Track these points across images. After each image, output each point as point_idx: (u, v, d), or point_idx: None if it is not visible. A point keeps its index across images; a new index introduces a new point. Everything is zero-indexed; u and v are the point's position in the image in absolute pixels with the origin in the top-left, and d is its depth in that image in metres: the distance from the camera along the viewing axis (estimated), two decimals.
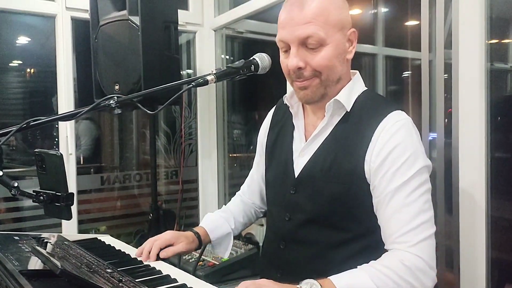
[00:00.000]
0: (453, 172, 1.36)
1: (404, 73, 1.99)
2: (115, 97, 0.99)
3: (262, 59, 1.13)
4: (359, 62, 2.17)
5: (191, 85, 1.05)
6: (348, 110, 1.09)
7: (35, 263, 0.95)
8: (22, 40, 3.36)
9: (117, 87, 2.00)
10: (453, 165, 1.36)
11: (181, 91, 1.06)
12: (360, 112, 1.09)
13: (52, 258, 0.85)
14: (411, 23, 1.84)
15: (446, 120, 1.41)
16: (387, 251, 1.02)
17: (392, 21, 2.14)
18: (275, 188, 1.23)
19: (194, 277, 1.02)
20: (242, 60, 1.11)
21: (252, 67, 1.12)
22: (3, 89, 4.13)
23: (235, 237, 1.39)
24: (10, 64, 3.93)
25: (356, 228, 1.07)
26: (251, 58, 1.13)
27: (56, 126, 2.42)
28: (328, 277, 0.93)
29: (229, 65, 1.10)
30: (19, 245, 1.12)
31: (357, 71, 1.18)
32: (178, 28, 2.18)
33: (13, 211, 2.45)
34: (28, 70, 3.96)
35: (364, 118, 1.07)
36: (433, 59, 1.45)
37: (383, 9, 2.15)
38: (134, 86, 1.96)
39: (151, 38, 1.97)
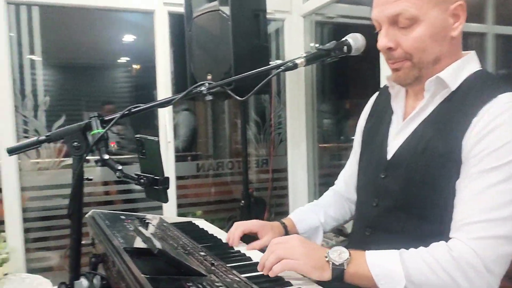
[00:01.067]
0: None
1: None
2: (206, 84, 1.02)
3: (355, 39, 1.07)
4: (465, 43, 1.94)
5: (280, 69, 1.03)
6: (453, 90, 0.99)
7: (137, 242, 1.02)
8: (128, 37, 3.66)
9: (209, 77, 2.07)
10: None
11: (270, 76, 1.05)
12: (466, 92, 0.98)
13: (152, 238, 0.90)
14: None
15: None
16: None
17: None
18: (366, 173, 1.18)
19: None
20: (334, 41, 1.06)
21: (345, 48, 1.06)
22: (112, 83, 4.56)
23: (329, 231, 1.34)
24: (118, 61, 4.31)
25: (449, 221, 0.96)
26: (343, 39, 1.08)
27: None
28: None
29: (320, 47, 1.06)
30: (125, 224, 1.22)
31: (473, 51, 1.06)
32: (267, 16, 2.18)
33: (124, 193, 2.69)
34: (134, 66, 4.31)
35: (470, 99, 0.96)
36: None
37: None
38: (225, 76, 2.01)
39: (241, 27, 2.00)
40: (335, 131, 2.92)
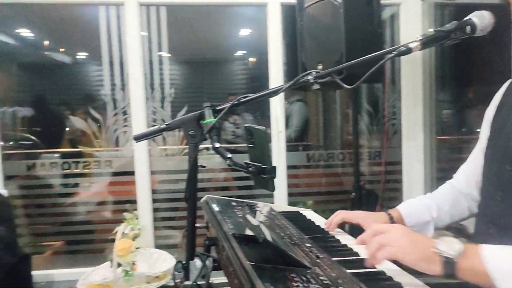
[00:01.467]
0: None
1: None
2: (313, 72, 1.01)
3: (481, 17, 0.94)
4: None
5: (393, 54, 0.97)
6: None
7: (245, 229, 1.06)
8: (244, 31, 3.80)
9: (320, 67, 2.04)
10: None
11: (382, 61, 0.99)
12: None
13: (260, 226, 0.93)
14: None
15: None
16: None
17: None
18: (492, 165, 1.06)
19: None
20: (455, 21, 0.96)
21: (467, 28, 0.94)
22: (231, 76, 4.81)
23: (443, 228, 1.23)
24: (235, 54, 4.53)
25: None
26: (467, 17, 0.96)
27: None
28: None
29: (438, 28, 0.96)
30: (235, 210, 1.28)
31: None
32: (381, 1, 2.07)
33: (240, 179, 2.81)
34: (250, 58, 4.48)
35: None
36: None
37: None
38: (335, 65, 1.96)
39: (353, 15, 1.93)
40: (456, 122, 2.66)
